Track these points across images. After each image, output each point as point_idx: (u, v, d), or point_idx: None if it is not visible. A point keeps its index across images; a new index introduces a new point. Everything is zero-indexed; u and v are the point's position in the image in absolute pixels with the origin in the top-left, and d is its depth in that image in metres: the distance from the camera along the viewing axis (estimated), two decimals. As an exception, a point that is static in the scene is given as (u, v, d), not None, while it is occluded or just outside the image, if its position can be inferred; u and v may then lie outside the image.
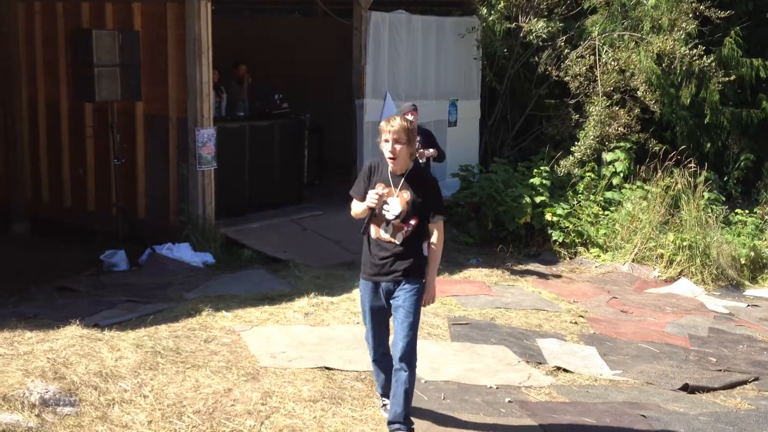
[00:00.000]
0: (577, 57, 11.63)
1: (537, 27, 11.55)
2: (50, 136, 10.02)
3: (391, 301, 4.49)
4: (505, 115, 12.79)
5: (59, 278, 8.00)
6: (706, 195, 10.80)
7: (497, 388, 5.54)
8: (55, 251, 9.13)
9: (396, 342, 4.44)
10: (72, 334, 5.46)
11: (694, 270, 9.57)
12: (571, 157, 11.28)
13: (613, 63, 11.41)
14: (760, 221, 11.19)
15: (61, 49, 9.64)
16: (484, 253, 10.01)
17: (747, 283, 9.80)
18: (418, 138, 8.74)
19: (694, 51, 11.34)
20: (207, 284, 7.62)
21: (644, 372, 6.20)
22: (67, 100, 9.69)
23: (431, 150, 8.63)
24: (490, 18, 11.57)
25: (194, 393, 4.82)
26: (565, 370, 6.08)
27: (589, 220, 10.54)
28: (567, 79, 11.61)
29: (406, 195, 4.42)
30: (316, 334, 6.22)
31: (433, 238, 4.54)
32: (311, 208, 10.30)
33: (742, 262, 9.99)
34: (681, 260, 9.64)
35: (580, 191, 11.07)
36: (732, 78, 12.09)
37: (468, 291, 8.06)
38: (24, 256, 9.10)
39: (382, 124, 4.45)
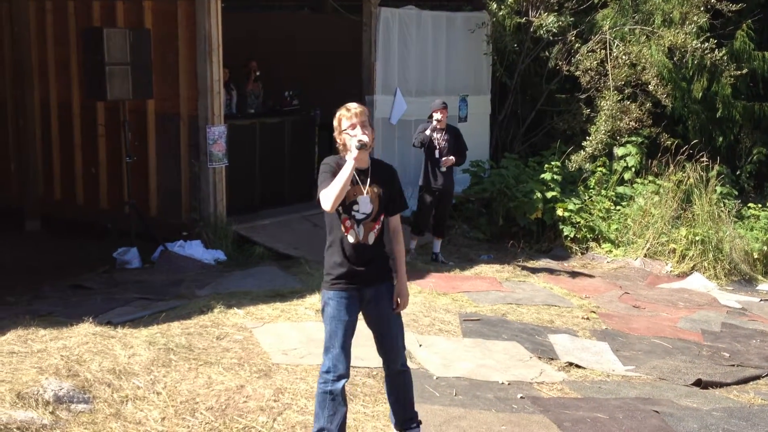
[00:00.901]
0: (587, 51, 11.58)
1: (547, 21, 11.51)
2: (62, 135, 10.07)
3: (369, 310, 4.14)
4: (515, 111, 12.76)
5: (72, 276, 8.04)
6: (719, 189, 10.75)
7: (509, 384, 5.53)
8: (68, 249, 9.18)
9: (395, 348, 4.21)
10: (85, 331, 5.49)
11: (706, 265, 9.53)
12: (582, 152, 11.24)
13: (624, 57, 11.36)
14: (772, 215, 11.13)
15: (73, 47, 9.68)
16: (495, 249, 10.00)
17: (760, 277, 9.76)
18: (447, 137, 8.79)
19: (706, 44, 11.27)
20: (218, 281, 7.65)
21: (657, 367, 6.19)
22: (79, 99, 9.74)
23: (452, 157, 8.66)
24: (500, 13, 11.53)
25: (207, 390, 4.84)
26: (578, 366, 6.07)
27: (600, 215, 10.51)
28: (578, 73, 11.56)
29: (376, 190, 4.06)
30: (328, 331, 6.23)
31: (399, 228, 4.20)
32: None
33: (755, 256, 9.93)
34: (693, 255, 9.60)
35: (591, 186, 11.03)
36: (744, 71, 12.02)
37: (479, 287, 8.06)
38: (37, 254, 9.15)
39: (343, 111, 4.05)
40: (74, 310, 6.37)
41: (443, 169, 8.74)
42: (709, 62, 11.63)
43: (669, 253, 9.79)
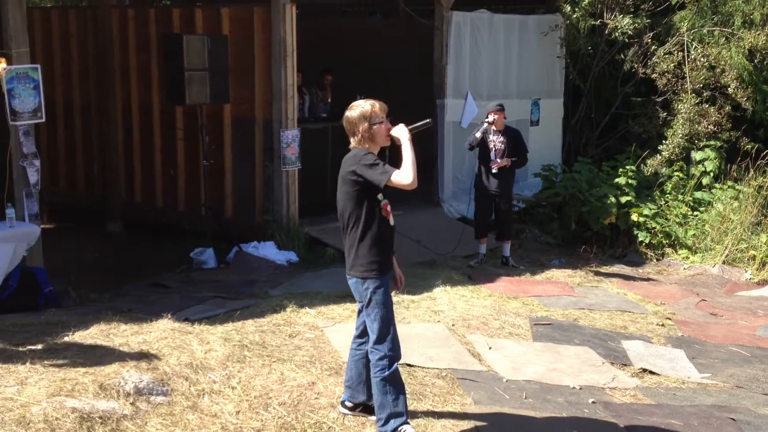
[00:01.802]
0: (664, 53, 11.36)
1: (623, 24, 11.33)
2: (143, 139, 10.40)
3: None
4: (589, 114, 12.59)
5: (151, 275, 8.32)
6: (802, 195, 10.40)
7: (580, 388, 5.47)
8: (148, 249, 9.49)
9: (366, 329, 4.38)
10: (164, 327, 5.67)
11: (788, 273, 9.22)
12: (658, 156, 11.02)
13: (702, 59, 11.10)
14: None
15: (153, 53, 10.00)
16: (566, 254, 9.89)
17: None
18: (503, 139, 8.75)
19: (789, 46, 10.92)
20: (291, 282, 7.79)
21: (734, 375, 6.02)
22: (159, 103, 10.05)
23: (501, 160, 8.59)
24: (574, 15, 11.41)
25: (279, 385, 4.94)
26: (651, 372, 5.96)
27: (677, 220, 10.28)
28: (654, 76, 11.35)
29: None
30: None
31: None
32: (392, 208, 10.35)
33: (841, 264, 9.56)
34: (774, 262, 9.31)
35: (667, 191, 10.80)
36: (830, 73, 11.58)
37: (550, 291, 7.98)
38: (118, 254, 9.49)
39: (376, 104, 4.29)
40: (153, 308, 6.59)
41: (494, 170, 8.70)
42: (791, 64, 11.26)
43: (748, 260, 9.51)
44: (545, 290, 8.02)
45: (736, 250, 9.62)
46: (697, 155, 11.25)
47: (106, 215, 10.58)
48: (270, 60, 8.88)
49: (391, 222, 4.31)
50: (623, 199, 10.24)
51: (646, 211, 10.17)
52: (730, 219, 9.87)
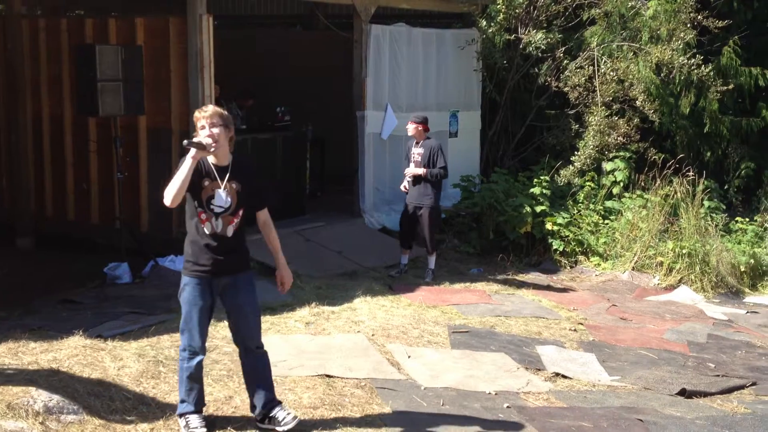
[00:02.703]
0: (576, 68, 11.72)
1: (536, 38, 11.65)
2: (54, 151, 10.11)
3: (225, 297, 4.53)
4: (505, 126, 12.87)
5: (63, 291, 8.07)
6: (706, 203, 10.87)
7: (496, 394, 5.59)
8: (59, 265, 9.21)
9: (249, 334, 4.58)
10: (75, 344, 5.54)
11: (693, 278, 9.62)
12: (571, 167, 11.34)
13: (611, 73, 11.50)
14: (760, 229, 11.23)
15: (65, 64, 9.75)
16: (485, 263, 10.07)
17: (747, 290, 9.85)
18: (421, 151, 8.85)
19: (693, 60, 11.42)
20: (209, 295, 7.67)
21: (642, 377, 6.25)
22: (71, 115, 9.80)
23: (409, 170, 8.69)
24: (490, 30, 11.67)
25: (196, 400, 4.87)
26: (564, 376, 6.14)
27: (589, 229, 10.61)
28: (566, 89, 11.69)
29: (234, 185, 4.44)
30: (317, 343, 6.29)
31: (269, 221, 4.67)
32: (313, 220, 10.39)
33: (742, 269, 10.03)
34: (680, 268, 9.69)
35: (580, 200, 11.13)
36: (731, 87, 12.17)
37: (468, 300, 8.12)
38: (28, 270, 9.17)
39: (196, 113, 4.44)
40: (64, 325, 6.40)
41: (408, 179, 8.82)
42: (696, 78, 11.77)
43: (656, 266, 9.88)
44: (464, 298, 8.16)
45: (645, 256, 9.98)
46: (607, 166, 11.63)
47: (16, 230, 10.24)
48: (187, 71, 8.77)
49: (207, 230, 4.43)
50: (538, 209, 10.50)
51: (559, 220, 10.45)
52: (639, 227, 10.23)
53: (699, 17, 11.53)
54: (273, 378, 4.74)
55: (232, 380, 5.28)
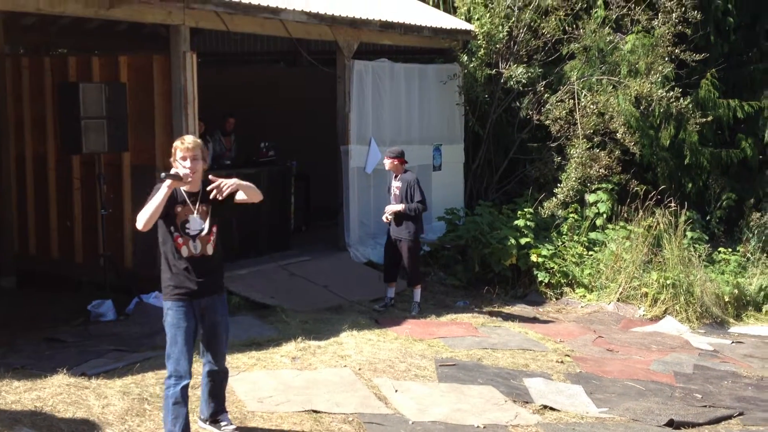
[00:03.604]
0: (557, 101, 11.86)
1: (517, 73, 11.80)
2: (37, 189, 10.07)
3: (204, 318, 4.74)
4: (489, 159, 12.96)
5: (47, 329, 7.98)
6: (689, 234, 10.95)
7: (484, 427, 5.57)
8: (43, 303, 9.12)
9: (221, 353, 4.90)
10: (59, 382, 5.47)
11: (678, 308, 9.66)
12: (554, 199, 11.42)
13: (592, 106, 11.64)
14: (742, 259, 11.33)
15: (49, 102, 9.75)
16: (471, 295, 10.07)
17: (731, 320, 9.90)
18: (399, 185, 8.90)
19: (671, 93, 11.58)
20: (194, 332, 7.61)
21: (630, 409, 6.25)
22: (55, 153, 9.77)
23: (390, 207, 8.73)
24: (471, 65, 11.82)
25: (181, 438, 4.82)
26: (552, 409, 6.12)
27: (573, 260, 10.65)
28: (548, 122, 11.82)
29: (205, 207, 4.72)
30: (303, 378, 6.25)
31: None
32: (299, 254, 10.37)
33: (726, 299, 10.09)
34: (665, 299, 9.74)
35: (564, 232, 11.19)
36: (710, 119, 12.34)
37: (455, 332, 8.11)
38: (11, 308, 9.07)
39: (178, 143, 4.66)
40: (48, 363, 6.34)
41: (389, 216, 8.85)
42: (675, 110, 11.93)
43: (641, 297, 9.92)
44: (450, 331, 8.14)
45: (630, 287, 10.02)
46: (590, 197, 11.72)
47: (-1, 269, 10.14)
48: (171, 108, 8.80)
49: (184, 253, 4.67)
50: (523, 241, 10.54)
51: (544, 252, 10.50)
52: (623, 258, 10.29)
53: (676, 51, 11.73)
54: (260, 414, 4.77)
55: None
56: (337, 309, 8.74)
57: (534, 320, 9.09)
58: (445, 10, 13.27)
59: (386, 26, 10.76)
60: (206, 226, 4.70)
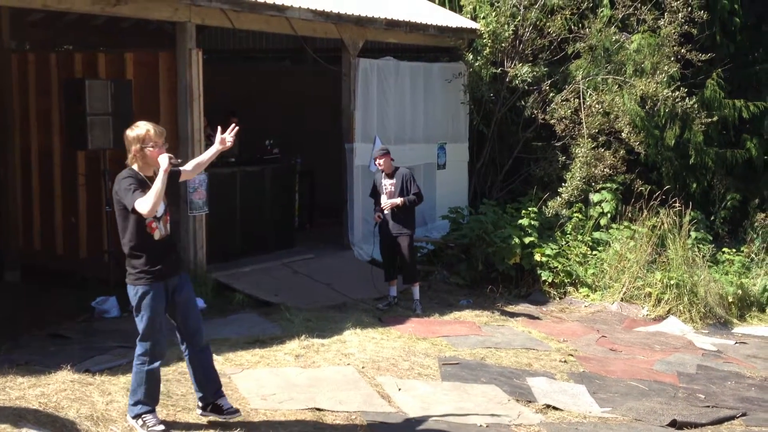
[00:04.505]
0: (562, 100, 11.86)
1: (522, 72, 11.80)
2: (43, 185, 10.10)
3: (174, 298, 4.86)
4: (493, 158, 12.97)
5: (51, 325, 8.00)
6: (693, 234, 10.93)
7: (487, 426, 5.57)
8: (47, 298, 9.13)
9: (199, 328, 4.97)
10: (63, 379, 5.49)
11: (682, 308, 9.65)
12: (558, 198, 11.42)
13: (597, 106, 11.63)
14: (746, 260, 11.32)
15: (55, 98, 9.77)
16: (474, 294, 10.07)
17: (735, 320, 9.88)
18: (393, 181, 8.91)
19: (677, 93, 11.58)
20: (198, 328, 7.62)
21: (633, 409, 6.25)
22: (60, 149, 9.80)
23: (389, 201, 8.71)
24: (477, 63, 11.81)
25: (185, 435, 4.84)
26: (555, 408, 6.12)
27: (577, 260, 10.64)
28: (553, 122, 11.81)
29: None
30: (307, 376, 6.26)
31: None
32: (302, 252, 10.39)
33: (730, 300, 10.07)
34: (669, 299, 9.72)
35: (568, 231, 11.18)
36: (715, 119, 12.33)
37: (458, 331, 8.12)
38: (16, 304, 9.08)
39: (152, 128, 4.80)
40: (53, 359, 6.35)
41: (386, 211, 8.85)
42: (680, 110, 11.92)
43: (645, 296, 9.91)
44: (453, 330, 8.15)
45: (633, 287, 10.01)
46: (594, 197, 11.71)
47: (3, 264, 10.16)
48: (176, 105, 8.81)
49: (157, 236, 4.79)
50: (527, 240, 10.53)
51: (548, 251, 10.49)
52: (627, 258, 10.28)
53: (682, 51, 11.72)
54: (263, 411, 4.77)
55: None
56: (341, 307, 8.75)
57: (537, 319, 9.09)
58: (451, 9, 13.27)
59: (392, 24, 10.76)
60: (166, 206, 4.87)
